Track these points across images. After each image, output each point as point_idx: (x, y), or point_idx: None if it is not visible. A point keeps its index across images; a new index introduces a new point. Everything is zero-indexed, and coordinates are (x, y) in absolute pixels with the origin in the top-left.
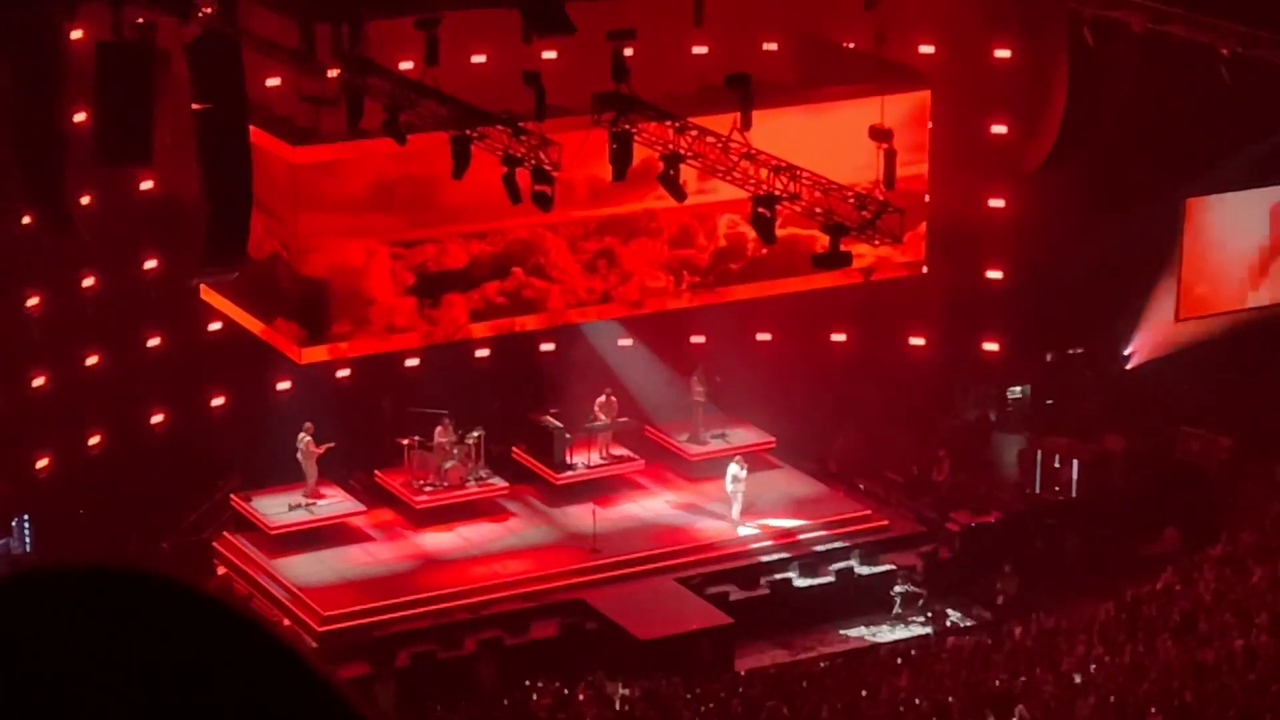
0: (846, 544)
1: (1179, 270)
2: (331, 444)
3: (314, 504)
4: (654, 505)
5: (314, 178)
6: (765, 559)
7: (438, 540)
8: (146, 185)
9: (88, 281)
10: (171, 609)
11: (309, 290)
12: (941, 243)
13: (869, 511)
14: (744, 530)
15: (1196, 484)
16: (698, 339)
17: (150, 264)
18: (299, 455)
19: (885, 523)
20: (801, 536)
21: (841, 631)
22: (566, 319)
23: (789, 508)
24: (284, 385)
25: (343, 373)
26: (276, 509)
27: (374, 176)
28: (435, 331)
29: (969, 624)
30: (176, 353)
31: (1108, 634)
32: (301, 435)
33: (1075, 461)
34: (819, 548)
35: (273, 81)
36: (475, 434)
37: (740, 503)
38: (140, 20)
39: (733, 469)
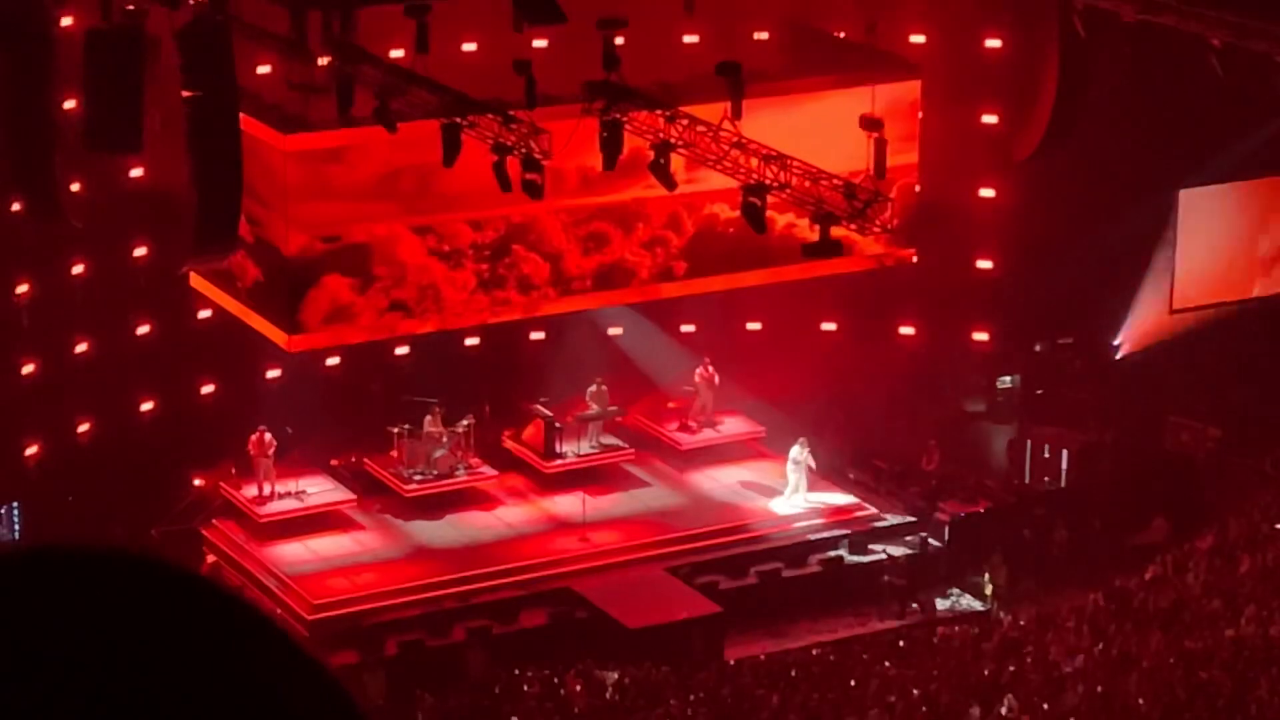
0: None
1: (1174, 262)
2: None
3: (303, 492)
4: (644, 494)
5: (305, 165)
6: (760, 547)
7: (427, 528)
8: (136, 172)
9: (77, 269)
10: (162, 591)
11: (352, 251)
12: (932, 232)
13: (858, 501)
14: (798, 509)
15: (1185, 474)
16: (688, 328)
17: (140, 251)
18: (250, 451)
19: (874, 512)
20: (858, 514)
21: (830, 620)
22: (567, 306)
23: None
24: (274, 373)
25: (332, 361)
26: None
27: (368, 165)
28: (460, 315)
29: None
30: (166, 340)
31: (1096, 624)
32: (257, 435)
33: (1065, 451)
34: (878, 524)
35: (263, 69)
36: (465, 422)
37: (803, 485)
38: (130, 7)
39: (795, 452)
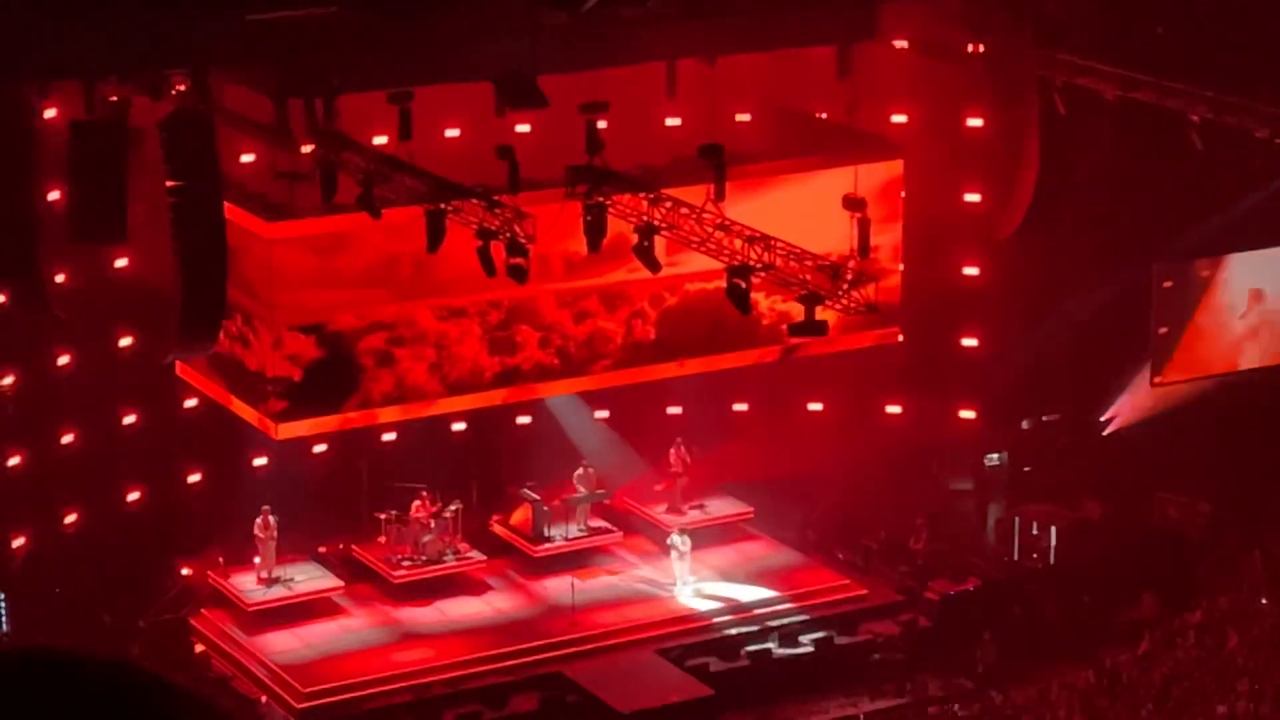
0: (803, 616)
1: (1153, 335)
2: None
3: (291, 579)
4: (633, 577)
5: (294, 253)
6: (744, 629)
7: (416, 615)
8: (121, 263)
9: (63, 359)
10: (133, 697)
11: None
12: (916, 311)
13: (847, 581)
14: (691, 600)
15: (1174, 549)
16: (674, 410)
17: (125, 341)
18: (257, 534)
19: (864, 592)
20: (757, 611)
21: (822, 701)
22: (558, 389)
23: (767, 578)
24: (260, 461)
25: (319, 448)
26: (254, 585)
27: (365, 252)
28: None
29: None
30: (152, 430)
31: (1088, 701)
32: (260, 519)
33: (1053, 528)
34: (772, 622)
35: (247, 158)
36: (452, 507)
37: (687, 572)
38: (113, 98)
39: (675, 540)
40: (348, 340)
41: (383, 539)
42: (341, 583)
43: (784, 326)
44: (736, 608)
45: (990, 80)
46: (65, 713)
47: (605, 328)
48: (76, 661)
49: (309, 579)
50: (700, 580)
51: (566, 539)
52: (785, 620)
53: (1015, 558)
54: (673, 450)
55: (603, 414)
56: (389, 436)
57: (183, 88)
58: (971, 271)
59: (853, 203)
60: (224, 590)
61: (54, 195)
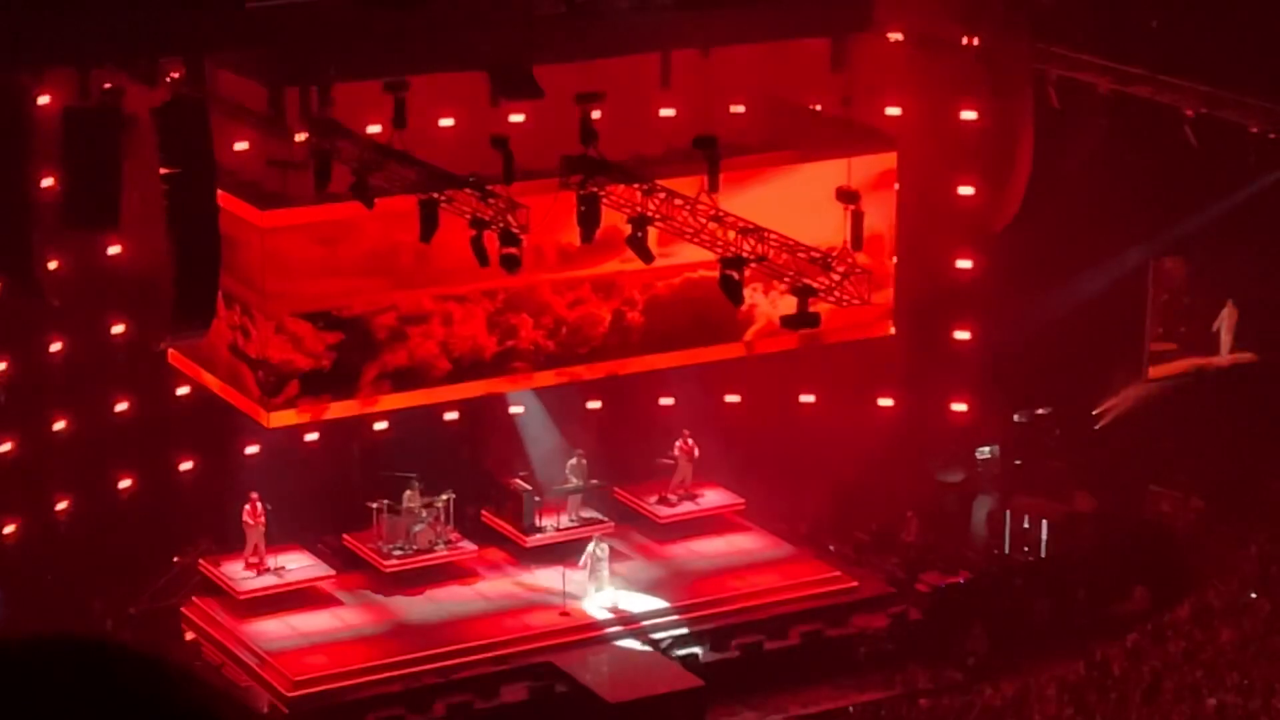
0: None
1: (1146, 328)
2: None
3: (282, 568)
4: (623, 568)
5: (283, 242)
6: (741, 620)
7: (407, 604)
8: (114, 250)
9: (55, 346)
10: (137, 680)
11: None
12: (909, 304)
13: (838, 573)
14: (596, 611)
15: (1165, 543)
16: (666, 401)
17: (118, 328)
18: (245, 520)
19: (855, 584)
20: (646, 623)
21: (811, 693)
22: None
23: (758, 570)
24: (252, 449)
25: (311, 436)
26: (245, 573)
27: (365, 240)
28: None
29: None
30: (145, 417)
31: (1078, 694)
32: (248, 505)
33: (1044, 522)
34: (657, 635)
35: (240, 146)
36: (444, 497)
37: (602, 581)
38: (108, 85)
39: (592, 548)
40: (363, 319)
41: (374, 528)
42: (332, 571)
43: (758, 312)
44: (627, 619)
45: (985, 73)
46: (105, 702)
47: (596, 313)
48: (114, 650)
49: (300, 567)
50: (614, 589)
51: (558, 529)
52: (674, 632)
53: (1006, 551)
54: (679, 442)
55: (594, 404)
56: (380, 425)
57: (177, 75)
58: (965, 264)
59: (846, 195)
60: (215, 578)
61: (48, 182)
